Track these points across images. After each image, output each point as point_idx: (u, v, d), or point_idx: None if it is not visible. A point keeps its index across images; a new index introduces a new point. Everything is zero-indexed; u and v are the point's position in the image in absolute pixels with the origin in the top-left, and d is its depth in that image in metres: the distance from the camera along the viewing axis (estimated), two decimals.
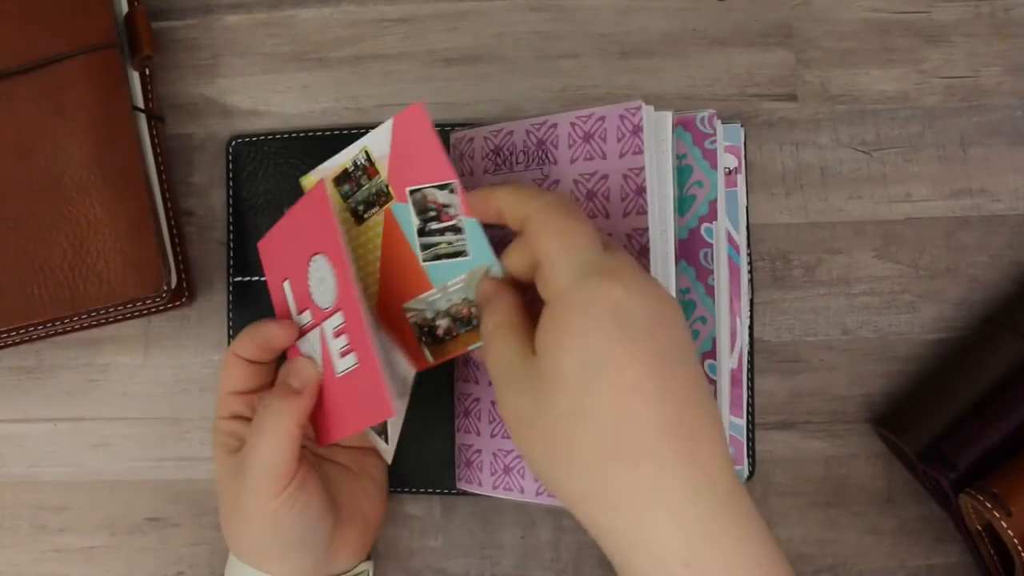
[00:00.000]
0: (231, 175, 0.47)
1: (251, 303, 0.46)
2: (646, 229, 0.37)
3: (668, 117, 0.38)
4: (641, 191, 0.37)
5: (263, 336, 0.38)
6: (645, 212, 0.37)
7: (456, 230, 0.36)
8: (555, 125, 0.40)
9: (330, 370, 0.37)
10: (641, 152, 0.37)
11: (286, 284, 0.38)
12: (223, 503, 0.39)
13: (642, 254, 0.37)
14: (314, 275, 0.37)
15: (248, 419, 0.38)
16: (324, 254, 0.36)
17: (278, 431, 0.36)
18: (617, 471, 0.30)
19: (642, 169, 0.37)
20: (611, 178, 0.38)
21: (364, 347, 0.35)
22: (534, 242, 0.33)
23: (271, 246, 0.39)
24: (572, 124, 0.39)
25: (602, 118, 0.38)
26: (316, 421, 0.38)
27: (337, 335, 0.36)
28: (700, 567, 0.29)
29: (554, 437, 0.31)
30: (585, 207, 0.39)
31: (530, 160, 0.40)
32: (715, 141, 0.40)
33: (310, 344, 0.38)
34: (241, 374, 0.38)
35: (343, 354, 0.36)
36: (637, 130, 0.37)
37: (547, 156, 0.40)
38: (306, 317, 0.38)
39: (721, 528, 0.30)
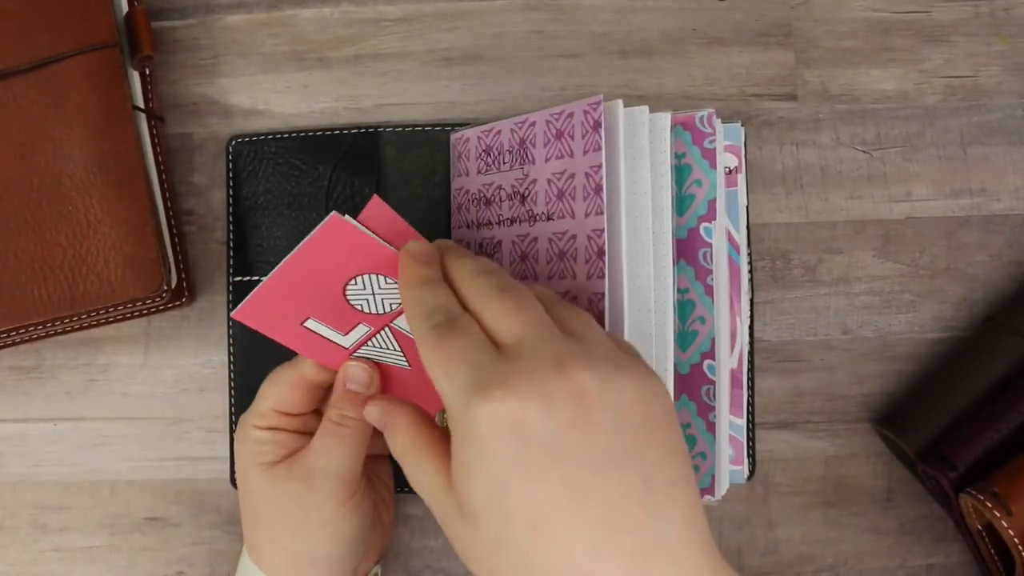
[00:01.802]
0: (231, 175, 0.47)
1: None
2: (602, 230, 0.35)
3: (668, 118, 0.38)
4: (599, 190, 0.35)
5: (359, 379, 0.37)
6: (602, 212, 0.35)
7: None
8: (533, 123, 0.39)
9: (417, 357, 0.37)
10: (600, 149, 0.35)
11: (310, 323, 0.36)
12: (260, 516, 0.38)
13: (599, 256, 0.36)
14: (357, 296, 0.36)
15: (286, 431, 0.38)
16: (367, 273, 0.35)
17: (356, 437, 0.36)
18: None
19: (600, 167, 0.35)
20: (576, 177, 0.36)
21: None
22: (428, 375, 0.30)
23: (258, 310, 0.35)
24: (547, 122, 0.38)
25: (571, 114, 0.37)
26: (428, 393, 0.37)
27: None
28: None
29: (492, 569, 0.28)
30: (556, 208, 0.38)
31: (513, 160, 0.40)
32: (714, 140, 0.40)
33: (375, 348, 0.37)
34: (300, 397, 0.37)
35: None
36: (597, 126, 0.35)
37: (527, 156, 0.39)
38: (359, 331, 0.37)
39: None
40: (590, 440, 0.27)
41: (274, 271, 0.35)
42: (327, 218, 0.33)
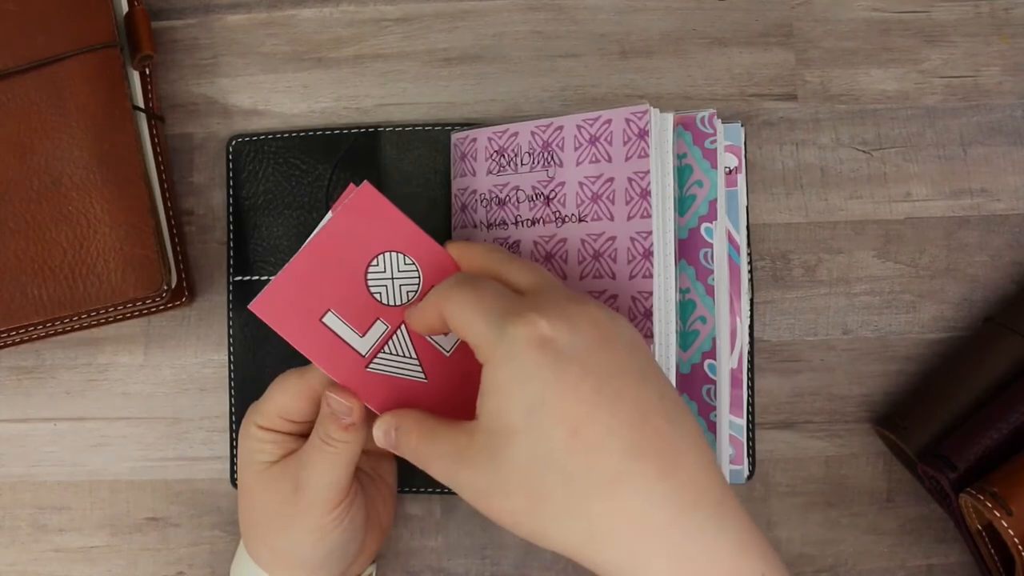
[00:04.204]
0: (231, 175, 0.47)
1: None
2: (650, 232, 0.37)
3: (669, 119, 0.38)
4: (646, 194, 0.37)
5: (340, 410, 0.36)
6: (649, 216, 0.37)
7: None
8: (561, 127, 0.40)
9: (437, 357, 0.37)
10: (647, 156, 0.37)
11: (328, 318, 0.36)
12: (253, 512, 0.38)
13: (646, 256, 0.37)
14: (376, 282, 0.37)
15: (287, 434, 0.38)
16: (389, 251, 0.36)
17: (345, 456, 0.36)
18: (598, 506, 0.29)
19: (647, 172, 0.37)
20: (616, 181, 0.38)
21: None
22: (456, 324, 0.33)
23: (277, 301, 0.36)
24: (578, 127, 0.39)
25: (608, 121, 0.38)
26: (444, 409, 0.37)
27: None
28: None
29: (527, 493, 0.30)
30: (590, 210, 0.39)
31: (535, 162, 0.40)
32: (715, 141, 0.40)
33: (391, 356, 0.37)
34: (305, 407, 0.37)
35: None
36: (643, 133, 0.37)
37: (553, 158, 0.40)
38: (377, 330, 0.37)
39: (715, 542, 0.29)
40: (613, 357, 0.30)
41: (297, 253, 0.35)
42: (360, 186, 0.35)
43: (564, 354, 0.30)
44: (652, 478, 0.29)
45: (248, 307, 0.35)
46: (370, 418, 0.37)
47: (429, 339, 0.37)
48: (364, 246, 0.36)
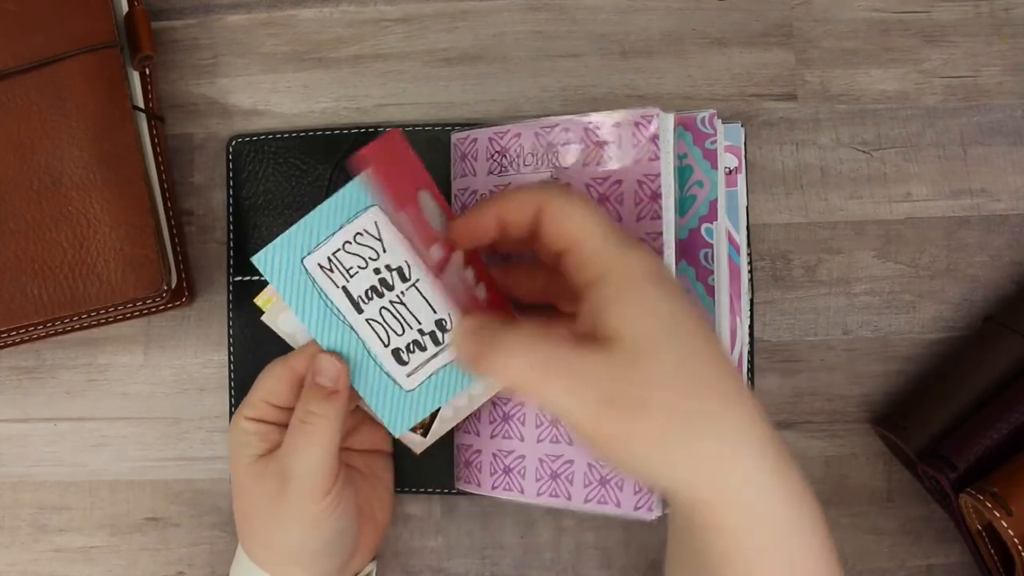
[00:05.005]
0: (231, 175, 0.47)
1: (251, 303, 0.46)
2: (660, 233, 0.37)
3: (670, 119, 0.38)
4: (656, 196, 0.37)
5: (327, 372, 0.36)
6: (660, 217, 0.37)
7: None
8: (567, 129, 0.40)
9: (472, 301, 0.37)
10: (657, 159, 0.37)
11: (423, 196, 0.34)
12: (245, 509, 0.38)
13: None
14: (428, 209, 0.36)
15: (273, 423, 0.38)
16: (426, 189, 0.36)
17: (325, 434, 0.36)
18: (710, 433, 0.30)
19: (658, 175, 0.37)
20: (625, 183, 0.38)
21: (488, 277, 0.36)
22: (557, 226, 0.32)
23: (385, 156, 0.33)
24: (586, 129, 0.39)
25: (617, 124, 0.38)
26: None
27: (466, 265, 0.36)
28: (788, 523, 0.31)
29: (666, 408, 0.29)
30: None
31: (539, 163, 0.40)
32: (715, 141, 0.40)
33: (450, 280, 0.36)
34: (287, 391, 0.37)
35: (476, 281, 0.37)
36: (654, 137, 0.37)
37: (556, 159, 0.40)
38: (436, 252, 0.36)
39: (792, 479, 0.31)
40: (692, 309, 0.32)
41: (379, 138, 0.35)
42: (388, 131, 0.34)
43: (677, 293, 0.31)
44: (746, 420, 0.30)
45: (359, 152, 0.34)
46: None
47: (469, 285, 0.36)
48: (408, 175, 0.35)
